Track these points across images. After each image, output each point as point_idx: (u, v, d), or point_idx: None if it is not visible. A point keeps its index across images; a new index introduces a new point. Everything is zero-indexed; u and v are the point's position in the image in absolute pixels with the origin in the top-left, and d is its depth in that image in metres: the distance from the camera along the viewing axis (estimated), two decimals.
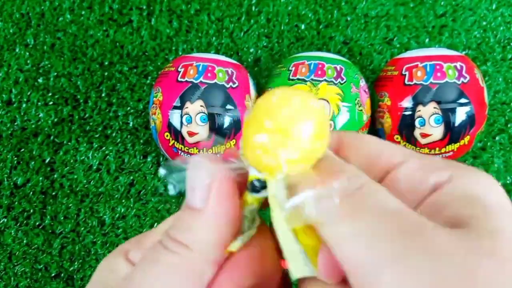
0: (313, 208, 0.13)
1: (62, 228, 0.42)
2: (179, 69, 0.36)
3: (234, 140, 0.36)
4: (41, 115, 0.43)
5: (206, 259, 0.15)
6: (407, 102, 0.36)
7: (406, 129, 0.36)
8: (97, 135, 0.43)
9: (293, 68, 0.37)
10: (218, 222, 0.15)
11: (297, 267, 0.14)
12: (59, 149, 0.43)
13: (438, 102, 0.35)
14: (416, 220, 0.12)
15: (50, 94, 0.44)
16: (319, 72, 0.36)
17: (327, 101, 0.36)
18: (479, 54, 0.44)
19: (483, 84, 0.37)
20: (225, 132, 0.36)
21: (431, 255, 0.12)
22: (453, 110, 0.35)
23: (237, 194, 0.15)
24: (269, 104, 0.14)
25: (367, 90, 0.39)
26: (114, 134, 0.43)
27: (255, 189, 0.15)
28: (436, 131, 0.35)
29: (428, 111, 0.35)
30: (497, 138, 0.43)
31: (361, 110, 0.37)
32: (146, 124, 0.43)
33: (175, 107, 0.36)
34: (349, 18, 0.45)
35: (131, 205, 0.42)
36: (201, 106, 0.35)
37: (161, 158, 0.43)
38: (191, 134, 0.36)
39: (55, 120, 0.43)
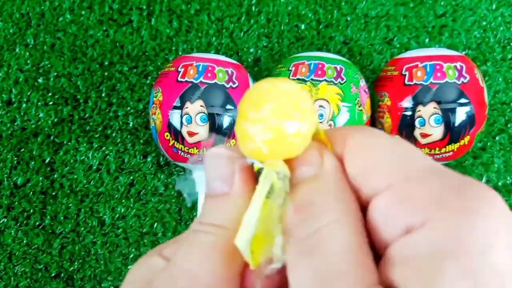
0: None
1: (62, 228, 0.42)
2: (179, 69, 0.36)
3: (234, 141, 0.36)
4: (41, 115, 0.43)
5: None
6: (407, 102, 0.36)
7: (406, 129, 0.36)
8: (97, 135, 0.43)
9: (293, 68, 0.37)
10: (246, 202, 0.15)
11: (244, 238, 0.14)
12: (59, 149, 0.43)
13: (438, 102, 0.35)
14: None
15: (50, 94, 0.44)
16: (319, 72, 0.36)
17: (327, 101, 0.36)
18: (479, 54, 0.44)
19: (483, 84, 0.37)
20: (225, 132, 0.36)
21: None
22: (453, 110, 0.35)
23: (254, 180, 0.16)
24: (245, 94, 0.15)
25: (367, 90, 0.39)
26: (114, 134, 0.43)
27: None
28: (436, 131, 0.35)
29: (428, 111, 0.35)
30: (497, 138, 0.43)
31: (361, 110, 0.37)
32: (146, 124, 0.43)
33: (175, 107, 0.36)
34: (349, 18, 0.45)
35: (131, 205, 0.42)
36: (201, 106, 0.35)
37: (161, 158, 0.43)
38: (191, 134, 0.36)
39: (55, 120, 0.43)
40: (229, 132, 0.36)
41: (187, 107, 0.35)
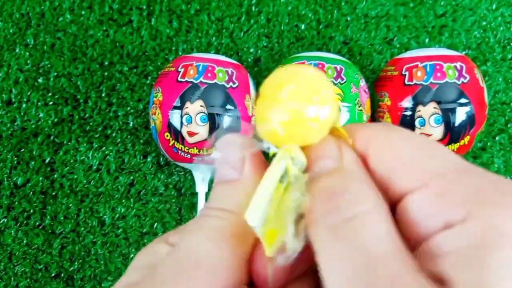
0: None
1: (62, 228, 0.42)
2: (179, 69, 0.36)
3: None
4: (41, 115, 0.43)
5: None
6: (407, 102, 0.36)
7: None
8: (97, 135, 0.43)
9: None
10: (255, 189, 0.15)
11: (254, 213, 0.14)
12: (59, 149, 0.43)
13: (438, 102, 0.35)
14: (398, 274, 0.12)
15: (50, 94, 0.44)
16: None
17: None
18: (479, 54, 0.44)
19: (483, 84, 0.37)
20: (225, 132, 0.36)
21: None
22: (453, 110, 0.35)
23: (265, 167, 0.16)
24: (267, 78, 0.15)
25: (367, 90, 0.39)
26: (114, 134, 0.43)
27: None
28: (436, 131, 0.35)
29: (428, 111, 0.35)
30: (497, 138, 0.43)
31: (361, 110, 0.37)
32: (146, 124, 0.43)
33: (175, 107, 0.36)
34: (349, 18, 0.45)
35: (131, 205, 0.42)
36: (201, 106, 0.35)
37: (161, 158, 0.43)
38: (191, 134, 0.36)
39: (55, 120, 0.43)
40: (229, 132, 0.36)
41: (187, 107, 0.35)
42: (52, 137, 0.43)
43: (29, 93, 0.44)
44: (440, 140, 0.36)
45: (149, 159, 0.42)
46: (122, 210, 0.42)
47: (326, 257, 0.13)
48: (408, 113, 0.36)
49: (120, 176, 0.42)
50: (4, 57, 0.44)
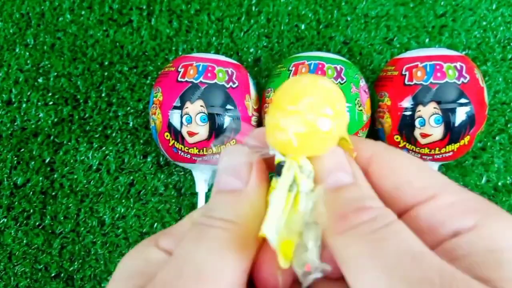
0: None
1: (62, 228, 0.42)
2: (179, 69, 0.36)
3: (234, 141, 0.36)
4: (41, 115, 0.43)
5: (252, 233, 0.15)
6: (407, 102, 0.36)
7: (406, 129, 0.36)
8: (97, 135, 0.43)
9: (293, 68, 0.37)
10: (259, 200, 0.15)
11: (271, 227, 0.14)
12: (59, 149, 0.43)
13: (438, 102, 0.35)
14: (441, 268, 0.12)
15: (50, 94, 0.44)
16: (319, 72, 0.36)
17: None
18: (479, 54, 0.44)
19: (483, 84, 0.37)
20: (225, 132, 0.36)
21: None
22: (453, 110, 0.35)
23: (267, 178, 0.16)
24: (282, 86, 0.15)
25: (367, 90, 0.39)
26: (114, 134, 0.43)
27: (279, 173, 0.15)
28: (436, 131, 0.35)
29: (428, 111, 0.35)
30: (497, 138, 0.43)
31: (361, 110, 0.37)
32: (146, 124, 0.43)
33: (175, 107, 0.36)
34: (349, 18, 0.45)
35: (131, 205, 0.42)
36: (201, 106, 0.35)
37: (161, 158, 0.43)
38: (191, 134, 0.36)
39: (55, 120, 0.43)
40: (229, 132, 0.36)
41: (187, 107, 0.35)
42: (52, 137, 0.43)
43: (29, 93, 0.44)
44: (440, 140, 0.36)
45: (149, 159, 0.42)
46: (122, 210, 0.42)
47: (360, 264, 0.13)
48: (408, 113, 0.36)
49: (120, 176, 0.42)
50: (4, 57, 0.44)
